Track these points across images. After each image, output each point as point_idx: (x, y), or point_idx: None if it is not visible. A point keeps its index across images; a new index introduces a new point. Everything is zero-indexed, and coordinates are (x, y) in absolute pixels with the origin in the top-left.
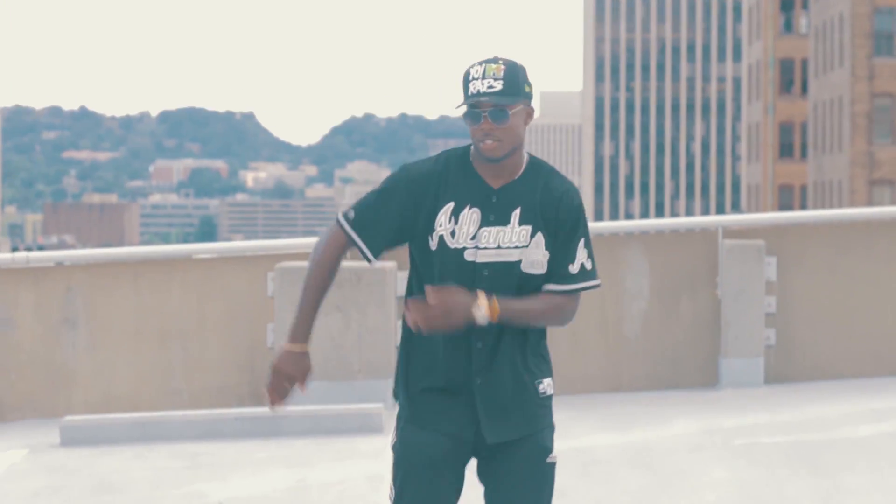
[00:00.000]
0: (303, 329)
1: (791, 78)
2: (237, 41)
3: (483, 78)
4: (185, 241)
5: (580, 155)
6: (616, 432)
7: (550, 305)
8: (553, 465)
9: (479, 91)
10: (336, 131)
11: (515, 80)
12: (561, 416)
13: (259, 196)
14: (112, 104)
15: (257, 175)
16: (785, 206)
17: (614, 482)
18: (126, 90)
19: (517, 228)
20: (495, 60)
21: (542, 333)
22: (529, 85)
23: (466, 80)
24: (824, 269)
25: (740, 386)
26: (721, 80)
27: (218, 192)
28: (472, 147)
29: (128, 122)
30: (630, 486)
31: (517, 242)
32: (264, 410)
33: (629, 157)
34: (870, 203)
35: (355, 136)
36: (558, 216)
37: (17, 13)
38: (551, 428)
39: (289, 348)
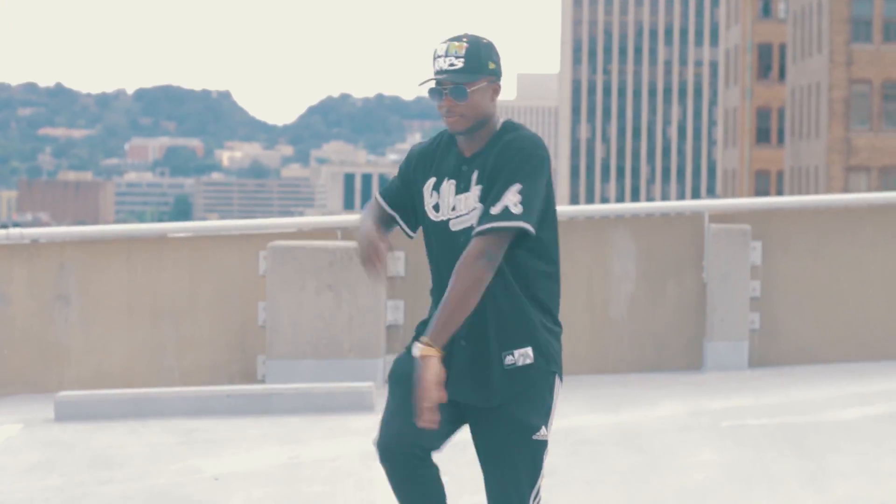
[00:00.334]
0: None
1: (769, 63)
2: (214, 19)
3: (445, 56)
4: (161, 220)
5: (557, 137)
6: (604, 413)
7: (457, 278)
8: (540, 443)
9: (441, 69)
10: (312, 111)
11: (477, 58)
12: None
13: (235, 175)
14: (88, 81)
15: (233, 154)
16: (761, 191)
17: (604, 461)
18: (102, 67)
19: (474, 190)
20: (459, 38)
21: (528, 304)
22: (495, 62)
23: (434, 59)
24: (809, 254)
25: (725, 369)
26: (698, 64)
27: (193, 170)
28: None
29: (104, 100)
30: (620, 465)
31: (473, 204)
32: (256, 388)
33: (606, 140)
34: (846, 190)
35: (331, 116)
36: (496, 164)
37: None
38: (534, 402)
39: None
